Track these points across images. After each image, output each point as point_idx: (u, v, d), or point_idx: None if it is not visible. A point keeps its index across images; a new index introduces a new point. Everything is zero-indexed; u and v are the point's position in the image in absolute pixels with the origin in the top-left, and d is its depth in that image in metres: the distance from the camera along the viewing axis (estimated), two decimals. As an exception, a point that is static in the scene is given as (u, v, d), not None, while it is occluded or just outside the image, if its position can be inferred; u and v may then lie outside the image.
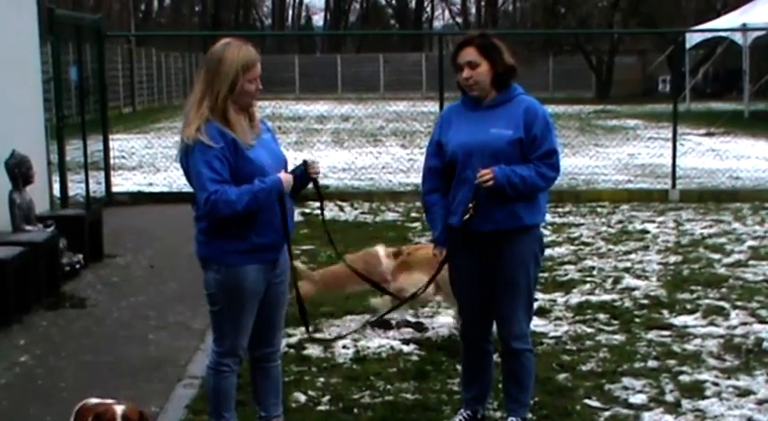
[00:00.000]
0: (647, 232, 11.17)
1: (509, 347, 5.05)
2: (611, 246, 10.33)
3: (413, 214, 12.62)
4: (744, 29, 27.67)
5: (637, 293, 8.18)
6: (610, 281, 8.67)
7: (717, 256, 9.68)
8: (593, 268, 9.23)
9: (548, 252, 9.81)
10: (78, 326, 7.39)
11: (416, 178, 15.19)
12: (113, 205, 13.03)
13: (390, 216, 12.66)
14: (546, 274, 8.87)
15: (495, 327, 5.15)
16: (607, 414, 5.47)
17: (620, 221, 12.01)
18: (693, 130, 23.79)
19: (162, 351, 6.72)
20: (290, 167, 4.79)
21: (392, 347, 6.68)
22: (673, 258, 9.65)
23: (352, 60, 53.65)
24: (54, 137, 11.36)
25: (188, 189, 4.80)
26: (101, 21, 14.35)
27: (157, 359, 6.53)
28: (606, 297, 8.09)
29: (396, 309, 6.44)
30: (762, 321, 7.31)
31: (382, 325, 7.16)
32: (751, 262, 9.41)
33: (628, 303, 7.87)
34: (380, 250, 7.44)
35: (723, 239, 10.63)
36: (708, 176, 15.94)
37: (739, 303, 7.80)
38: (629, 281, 8.64)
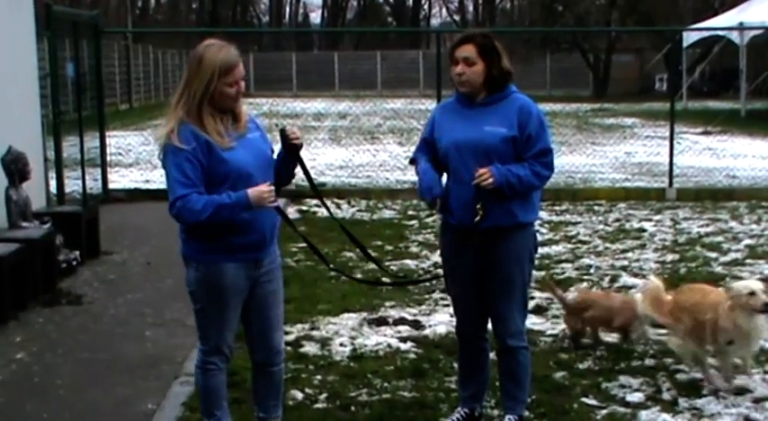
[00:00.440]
0: (644, 230, 11.17)
1: (505, 345, 5.05)
2: (608, 245, 10.33)
3: (410, 212, 12.62)
4: (741, 28, 27.68)
5: (634, 291, 8.17)
6: (607, 279, 8.68)
7: (714, 255, 9.68)
8: (591, 266, 9.23)
9: (545, 250, 9.84)
10: (75, 323, 7.38)
11: (413, 176, 15.16)
12: (110, 202, 13.03)
13: (387, 213, 12.65)
14: (543, 272, 8.86)
15: (490, 325, 5.15)
16: (604, 412, 5.46)
17: (618, 220, 12.02)
18: (690, 129, 23.81)
19: (158, 348, 6.71)
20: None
21: (389, 345, 6.67)
22: (670, 257, 9.65)
23: (350, 58, 53.66)
24: (51, 133, 11.35)
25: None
26: (98, 17, 14.34)
27: (154, 356, 6.53)
28: (603, 295, 8.08)
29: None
30: (759, 320, 7.30)
31: (379, 322, 7.16)
32: (748, 261, 9.41)
33: (625, 301, 7.86)
34: (641, 296, 6.63)
35: (720, 238, 10.63)
36: (705, 175, 15.95)
37: (736, 302, 7.79)
38: (626, 279, 8.64)
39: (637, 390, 5.80)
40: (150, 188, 14.22)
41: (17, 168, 8.53)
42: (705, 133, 23.27)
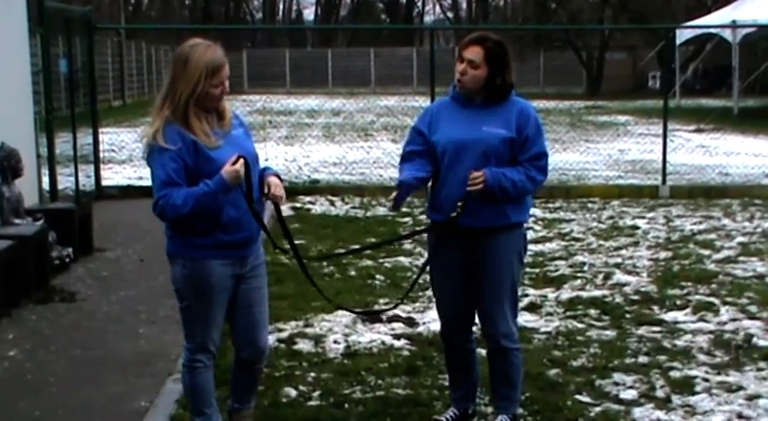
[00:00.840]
0: (638, 228, 11.18)
1: (498, 346, 5.03)
2: (601, 242, 10.34)
3: (404, 209, 12.58)
4: (733, 26, 27.68)
5: (627, 289, 8.18)
6: (600, 276, 8.68)
7: (707, 252, 9.70)
8: (584, 264, 9.23)
9: (538, 247, 9.85)
10: (68, 320, 7.37)
11: (407, 173, 15.15)
12: (103, 199, 13.00)
13: (381, 211, 12.64)
14: (537, 270, 8.88)
15: (477, 326, 5.14)
16: (598, 409, 5.47)
17: (611, 217, 12.03)
18: (683, 127, 23.84)
19: (152, 345, 6.70)
20: (273, 165, 4.75)
21: (383, 342, 6.67)
22: (663, 254, 9.66)
23: (343, 55, 53.61)
24: (43, 130, 11.31)
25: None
26: (90, 13, 14.30)
27: (147, 353, 6.51)
28: (597, 293, 8.09)
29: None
30: (751, 317, 7.32)
31: (373, 319, 7.16)
32: (741, 258, 9.43)
33: (618, 299, 7.87)
34: None
35: (713, 235, 10.65)
36: (697, 172, 15.98)
37: (729, 299, 7.82)
38: (619, 276, 8.64)
39: (630, 388, 5.80)
40: (143, 185, 14.15)
41: (10, 165, 8.51)
42: (698, 131, 23.30)
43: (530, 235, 9.93)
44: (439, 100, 5.22)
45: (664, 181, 14.17)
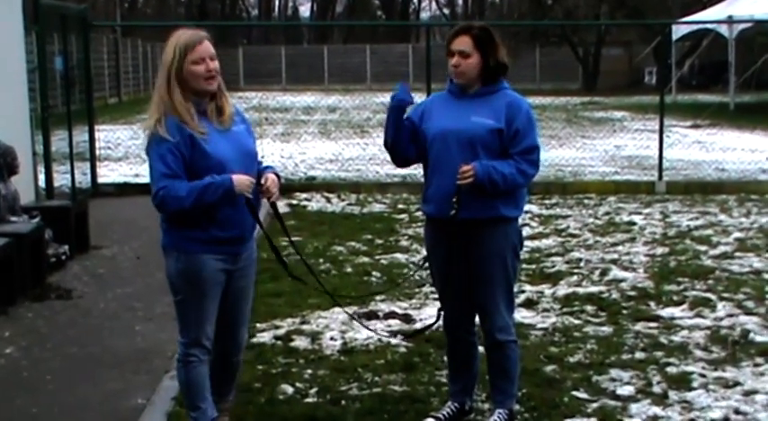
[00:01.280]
0: (634, 224, 11.18)
1: (493, 339, 5.04)
2: (598, 238, 10.34)
3: (400, 206, 12.61)
4: (730, 21, 27.73)
5: (624, 285, 8.19)
6: (597, 272, 8.68)
7: (703, 248, 9.70)
8: (581, 260, 9.23)
9: (535, 243, 9.85)
10: (64, 317, 7.36)
11: (403, 170, 15.18)
12: (99, 196, 12.98)
13: (377, 207, 12.64)
14: (533, 266, 8.88)
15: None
16: (595, 405, 5.47)
17: (607, 213, 12.03)
18: (680, 122, 23.85)
19: (149, 342, 6.70)
20: (269, 162, 4.76)
21: (380, 339, 6.66)
22: (659, 250, 9.66)
23: (339, 51, 53.58)
24: (39, 127, 11.30)
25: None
26: (86, 10, 14.29)
27: (144, 350, 6.51)
28: (593, 289, 8.09)
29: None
30: (748, 313, 7.33)
31: (369, 316, 7.15)
32: (737, 253, 9.43)
33: (615, 295, 7.87)
34: None
35: (709, 231, 10.65)
36: (694, 168, 15.99)
37: (726, 295, 7.82)
38: (616, 272, 8.64)
39: (627, 384, 5.80)
40: (139, 182, 14.15)
41: (6, 162, 8.50)
42: (694, 126, 23.32)
43: (526, 231, 9.96)
44: (436, 94, 5.24)
45: (660, 177, 14.17)
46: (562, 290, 8.07)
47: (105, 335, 6.90)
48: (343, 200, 13.30)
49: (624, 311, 7.40)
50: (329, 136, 22.16)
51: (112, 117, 26.29)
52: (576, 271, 8.77)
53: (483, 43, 4.83)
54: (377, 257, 9.37)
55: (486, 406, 5.38)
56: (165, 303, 7.43)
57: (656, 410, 5.39)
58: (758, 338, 6.65)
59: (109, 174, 15.01)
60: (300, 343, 6.61)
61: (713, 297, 7.75)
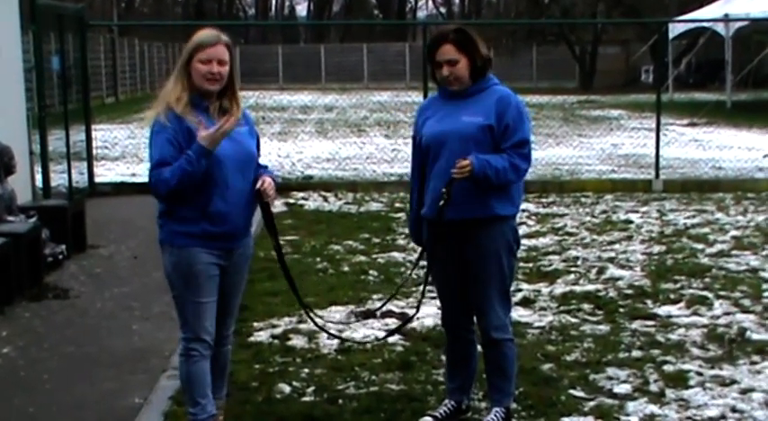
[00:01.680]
0: (631, 222, 11.19)
1: (489, 338, 5.05)
2: (595, 237, 10.35)
3: (397, 204, 12.61)
4: (726, 19, 27.73)
5: (621, 283, 8.19)
6: (594, 271, 8.68)
7: (700, 246, 9.71)
8: (578, 258, 9.24)
9: (532, 242, 9.86)
10: (61, 317, 7.36)
11: (400, 168, 15.24)
12: (96, 196, 12.98)
13: (374, 206, 12.64)
14: (530, 265, 8.88)
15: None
16: (592, 404, 5.47)
17: (604, 211, 12.04)
18: (676, 121, 23.86)
19: (146, 342, 6.70)
20: (265, 161, 4.80)
21: (377, 338, 6.66)
22: (656, 248, 9.67)
23: (336, 50, 53.58)
24: (36, 127, 11.30)
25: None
26: (83, 10, 14.26)
27: (141, 350, 6.51)
28: (590, 287, 8.10)
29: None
30: (745, 311, 7.33)
31: (366, 315, 7.15)
32: (734, 252, 9.44)
33: (612, 293, 7.88)
34: None
35: (706, 229, 10.66)
36: (691, 167, 16.00)
37: (722, 293, 7.83)
38: (613, 271, 8.65)
39: (624, 382, 5.81)
40: (136, 182, 14.16)
41: (3, 162, 8.50)
42: (691, 125, 23.33)
43: (523, 230, 9.96)
44: (428, 98, 5.27)
45: (657, 175, 14.18)
46: (559, 288, 8.07)
47: (102, 334, 6.90)
48: (340, 199, 13.30)
49: (621, 310, 7.41)
50: (326, 135, 22.16)
51: (109, 116, 26.28)
52: (572, 269, 8.78)
53: (465, 45, 4.86)
54: (374, 256, 9.37)
55: (483, 404, 5.38)
56: (163, 302, 7.44)
57: (653, 408, 5.40)
58: (755, 336, 6.66)
59: (106, 173, 15.01)
60: (297, 342, 6.61)
61: (710, 295, 7.75)
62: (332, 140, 20.45)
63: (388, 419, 5.27)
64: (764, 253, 9.36)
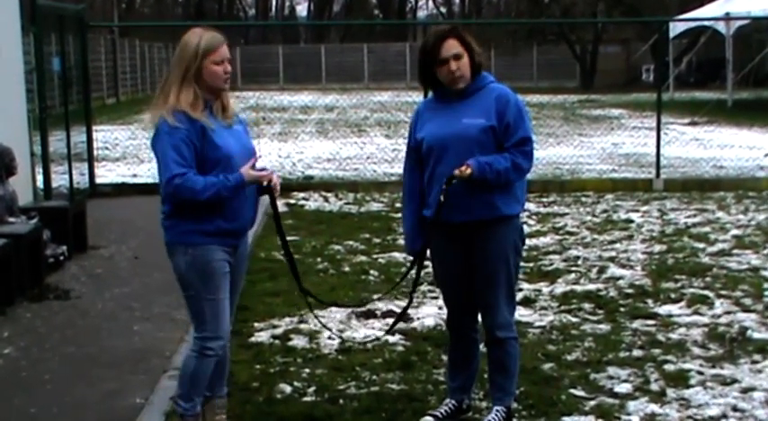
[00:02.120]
0: (632, 221, 11.19)
1: (494, 336, 5.05)
2: (595, 236, 10.35)
3: (397, 204, 12.60)
4: (727, 18, 27.72)
5: (621, 283, 8.19)
6: (595, 270, 8.68)
7: (701, 245, 9.71)
8: (578, 258, 9.24)
9: (532, 242, 9.85)
10: (62, 317, 7.36)
11: (401, 169, 15.14)
12: (97, 196, 12.98)
13: (375, 206, 12.65)
14: (531, 264, 8.88)
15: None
16: (592, 403, 5.47)
17: (605, 211, 12.04)
18: (677, 120, 23.86)
19: (146, 342, 6.70)
20: (266, 162, 4.82)
21: (377, 338, 6.66)
22: (657, 247, 9.67)
23: (336, 50, 53.60)
24: (37, 128, 11.30)
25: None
26: (84, 11, 14.27)
27: (142, 350, 6.51)
28: (591, 286, 8.10)
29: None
30: (746, 310, 7.33)
31: (367, 315, 7.15)
32: (735, 251, 9.44)
33: (613, 293, 7.88)
34: None
35: (707, 228, 10.66)
36: (691, 166, 15.99)
37: (723, 292, 7.83)
38: (613, 270, 8.65)
39: (625, 381, 5.81)
40: (137, 182, 14.20)
41: (4, 163, 8.50)
42: (692, 124, 23.32)
43: (524, 229, 9.95)
44: (423, 101, 5.24)
45: (658, 174, 14.18)
46: (560, 288, 8.07)
47: (103, 335, 6.90)
48: (340, 199, 13.30)
49: (622, 309, 7.41)
50: (327, 135, 22.16)
51: (110, 117, 26.29)
52: (573, 269, 8.78)
53: (466, 42, 4.87)
54: (374, 256, 9.37)
55: (484, 404, 5.38)
56: (163, 303, 7.45)
57: (654, 408, 5.40)
58: (756, 335, 6.66)
59: (106, 174, 15.02)
60: (298, 342, 6.61)
61: (711, 294, 7.75)
62: (332, 140, 20.45)
63: (388, 419, 5.27)
64: (765, 252, 9.36)
